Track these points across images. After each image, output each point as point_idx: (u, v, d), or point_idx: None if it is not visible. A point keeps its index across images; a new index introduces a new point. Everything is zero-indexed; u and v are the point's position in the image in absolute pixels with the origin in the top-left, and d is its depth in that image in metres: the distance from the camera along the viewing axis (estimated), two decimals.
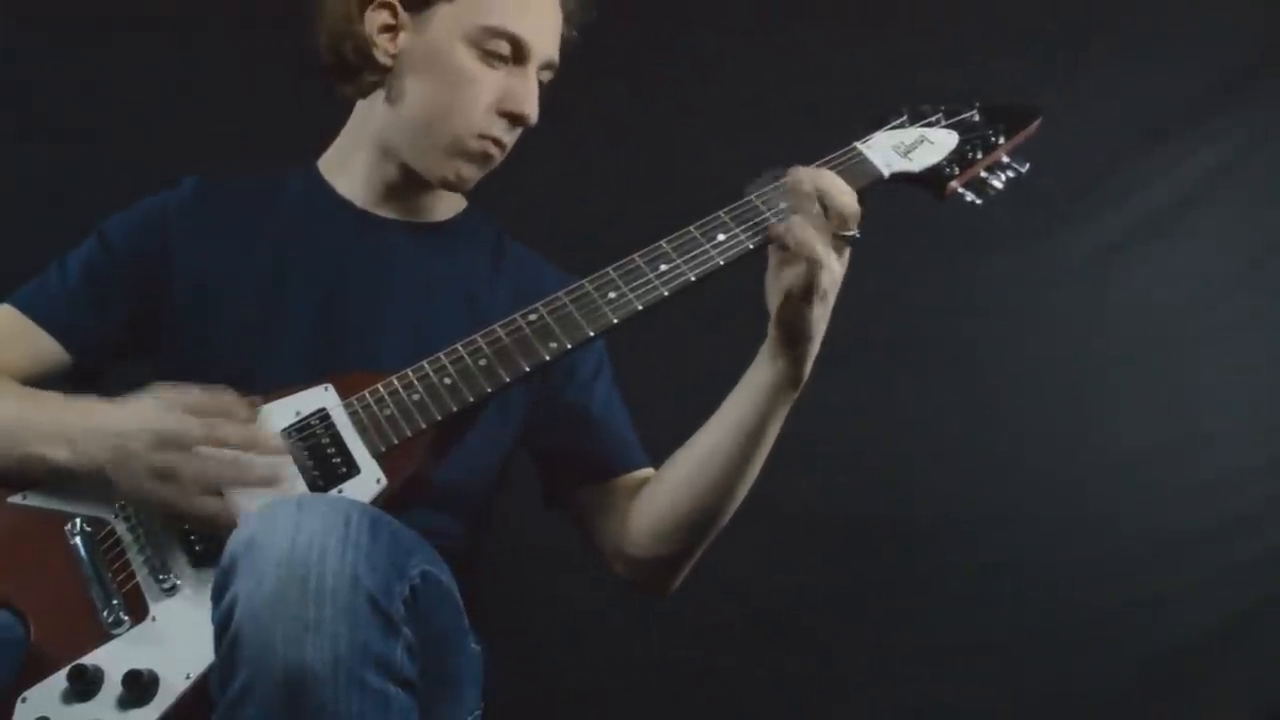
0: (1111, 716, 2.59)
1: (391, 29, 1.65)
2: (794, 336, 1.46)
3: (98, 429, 1.42)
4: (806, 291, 1.42)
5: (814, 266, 1.40)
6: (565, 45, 1.70)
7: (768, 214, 1.48)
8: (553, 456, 1.74)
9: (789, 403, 1.54)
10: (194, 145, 2.36)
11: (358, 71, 1.68)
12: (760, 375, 1.52)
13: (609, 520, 1.69)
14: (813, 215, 1.42)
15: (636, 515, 1.65)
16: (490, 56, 1.62)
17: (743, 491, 1.59)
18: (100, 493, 1.44)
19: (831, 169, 1.52)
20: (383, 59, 1.65)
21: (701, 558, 1.66)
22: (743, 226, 1.48)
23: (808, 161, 1.52)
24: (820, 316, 1.45)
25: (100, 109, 2.45)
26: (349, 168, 1.72)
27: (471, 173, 1.67)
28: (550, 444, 1.73)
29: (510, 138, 1.67)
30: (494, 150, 1.65)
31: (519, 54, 1.63)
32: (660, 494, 1.63)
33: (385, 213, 1.71)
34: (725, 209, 1.49)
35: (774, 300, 1.45)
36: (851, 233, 1.43)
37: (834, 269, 1.42)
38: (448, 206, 1.77)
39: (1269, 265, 2.70)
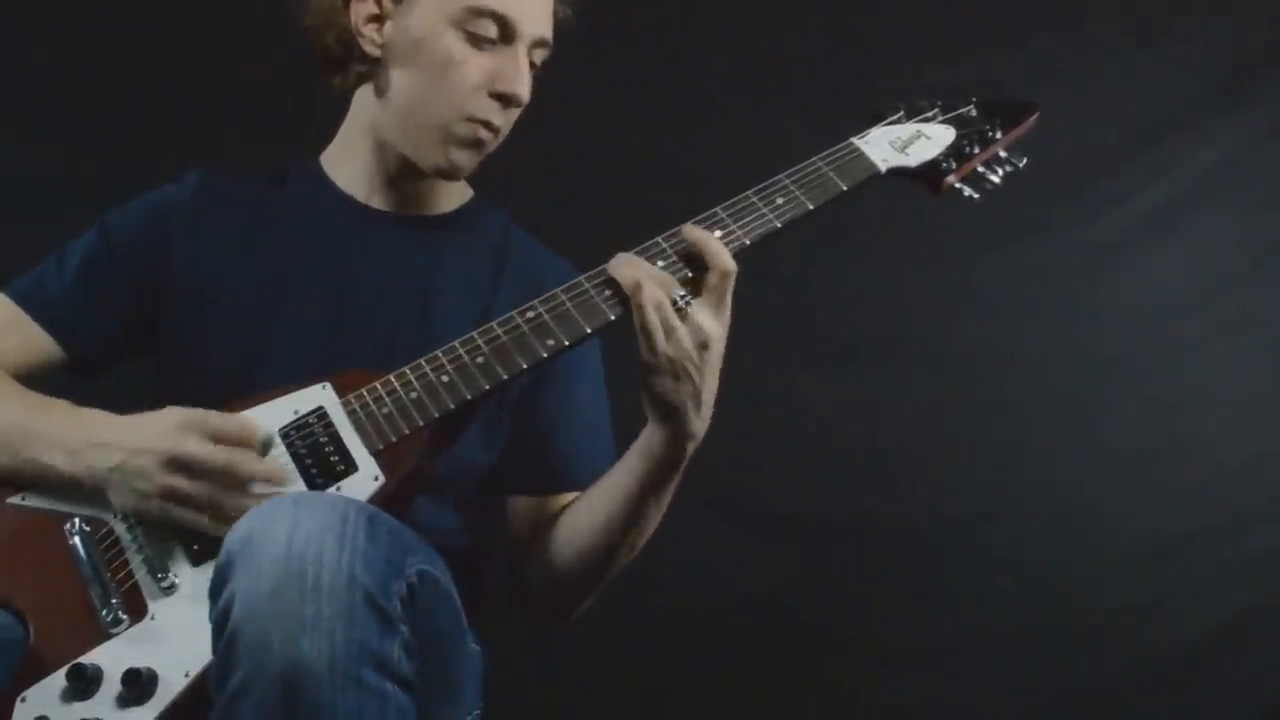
0: (1111, 716, 2.59)
1: (377, 18, 1.63)
2: (657, 409, 1.43)
3: (103, 442, 1.41)
4: (651, 361, 1.39)
5: (646, 337, 1.37)
6: (560, 22, 1.67)
7: (767, 212, 1.48)
8: (506, 457, 1.69)
9: (669, 477, 1.49)
10: (196, 139, 2.37)
11: (344, 63, 1.66)
12: (640, 446, 1.50)
13: (532, 535, 1.67)
14: (634, 282, 1.38)
15: (545, 540, 1.63)
16: (477, 38, 1.58)
17: (623, 549, 1.56)
18: (98, 494, 1.43)
19: (828, 164, 1.52)
20: (370, 49, 1.63)
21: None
22: (740, 224, 1.47)
23: (808, 154, 1.52)
24: (679, 391, 1.40)
25: (101, 102, 2.46)
26: (349, 162, 1.71)
27: (465, 159, 1.64)
28: (509, 444, 1.69)
29: (503, 120, 1.63)
30: (485, 134, 1.62)
31: (506, 33, 1.59)
32: (561, 527, 1.61)
33: (387, 206, 1.70)
34: (722, 205, 1.49)
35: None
36: (679, 296, 1.38)
37: (679, 339, 1.38)
38: (452, 198, 1.75)
39: (1268, 265, 2.70)
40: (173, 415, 1.41)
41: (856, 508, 2.58)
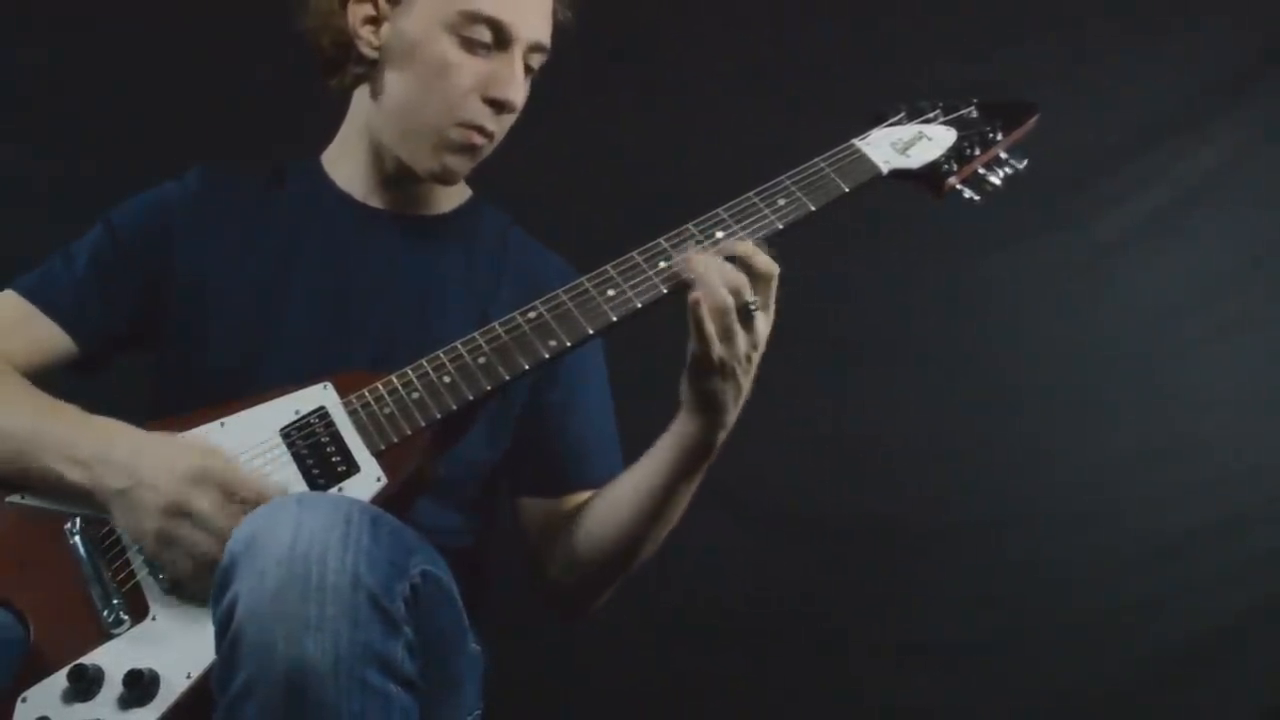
0: (1112, 717, 2.59)
1: (374, 20, 1.62)
2: (699, 403, 1.44)
3: (116, 462, 1.39)
4: (705, 361, 1.39)
5: (704, 343, 1.37)
6: (560, 25, 1.66)
7: (768, 213, 1.48)
8: (514, 458, 1.70)
9: (698, 467, 1.50)
10: (196, 139, 2.37)
11: (342, 64, 1.66)
12: (671, 437, 1.50)
13: (546, 534, 1.67)
14: (711, 287, 1.36)
15: (564, 537, 1.63)
16: (471, 43, 1.57)
17: (649, 542, 1.57)
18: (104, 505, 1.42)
19: (830, 166, 1.52)
20: (367, 51, 1.63)
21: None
22: (741, 225, 1.47)
23: (809, 155, 1.52)
24: (725, 389, 1.41)
25: (100, 101, 2.46)
26: (348, 161, 1.71)
27: (458, 164, 1.63)
28: (516, 445, 1.69)
29: (497, 125, 1.62)
30: (478, 139, 1.61)
31: (501, 38, 1.58)
32: (582, 523, 1.61)
33: (385, 205, 1.70)
34: (724, 206, 1.49)
35: (688, 360, 1.42)
36: (749, 301, 1.37)
37: (736, 343, 1.37)
38: (451, 198, 1.75)
39: (1269, 265, 2.70)
40: (194, 461, 1.38)
41: (858, 508, 2.58)
